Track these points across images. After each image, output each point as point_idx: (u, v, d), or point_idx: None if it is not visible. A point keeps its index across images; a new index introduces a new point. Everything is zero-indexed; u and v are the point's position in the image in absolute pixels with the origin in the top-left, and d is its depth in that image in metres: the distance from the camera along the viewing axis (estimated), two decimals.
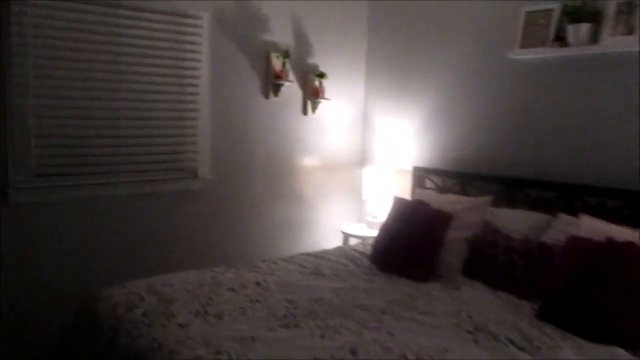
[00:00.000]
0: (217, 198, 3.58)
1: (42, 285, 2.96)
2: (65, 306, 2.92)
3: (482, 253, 2.83)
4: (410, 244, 2.86)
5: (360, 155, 4.26)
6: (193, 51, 3.38)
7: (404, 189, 3.80)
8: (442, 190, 3.59)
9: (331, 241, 4.07)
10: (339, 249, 3.35)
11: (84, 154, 3.05)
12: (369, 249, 3.19)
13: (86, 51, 3.00)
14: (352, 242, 3.89)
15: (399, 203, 3.14)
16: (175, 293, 2.40)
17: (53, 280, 2.99)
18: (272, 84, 3.71)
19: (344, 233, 4.00)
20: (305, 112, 3.93)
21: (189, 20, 3.34)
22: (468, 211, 2.99)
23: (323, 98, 3.92)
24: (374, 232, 3.84)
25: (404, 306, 2.41)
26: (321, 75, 3.88)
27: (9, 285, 2.87)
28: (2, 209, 2.81)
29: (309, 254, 3.15)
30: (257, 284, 2.60)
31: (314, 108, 3.95)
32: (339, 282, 2.71)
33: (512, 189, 3.21)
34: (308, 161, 4.01)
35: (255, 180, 3.76)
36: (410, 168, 3.85)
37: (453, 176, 3.56)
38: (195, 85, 3.42)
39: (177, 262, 3.33)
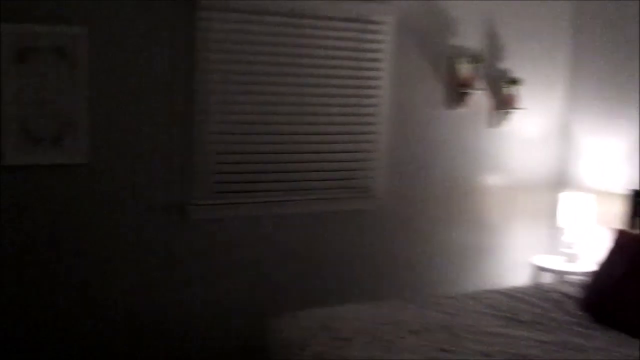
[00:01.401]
0: (391, 219, 3.27)
1: (213, 302, 2.90)
2: (234, 327, 2.84)
3: None
4: None
5: (557, 174, 3.65)
6: (374, 59, 3.12)
7: (613, 217, 3.14)
8: None
9: (517, 274, 3.53)
10: (536, 287, 2.81)
11: (261, 170, 2.94)
12: (574, 291, 2.63)
13: (266, 64, 2.89)
14: (545, 277, 3.33)
15: (623, 237, 2.53)
16: (350, 331, 2.12)
17: (224, 297, 2.92)
18: (457, 92, 3.31)
19: (534, 266, 3.44)
20: (493, 124, 3.46)
21: (372, 26, 3.08)
22: None
23: (515, 108, 3.42)
24: (573, 267, 3.26)
25: None
26: (514, 82, 3.38)
27: (181, 301, 2.84)
28: (182, 225, 2.79)
29: (499, 292, 2.68)
30: (444, 327, 2.21)
31: (504, 120, 3.45)
32: (543, 334, 2.21)
33: None
34: (494, 180, 3.52)
35: (434, 201, 3.38)
36: (623, 192, 3.17)
37: None
38: (374, 97, 3.15)
39: (349, 288, 3.11)
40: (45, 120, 2.51)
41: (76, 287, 2.62)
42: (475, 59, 3.25)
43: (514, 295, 2.63)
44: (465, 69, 3.26)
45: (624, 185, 3.20)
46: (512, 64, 3.42)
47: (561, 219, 3.46)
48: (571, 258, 3.35)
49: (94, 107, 2.57)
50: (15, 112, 2.44)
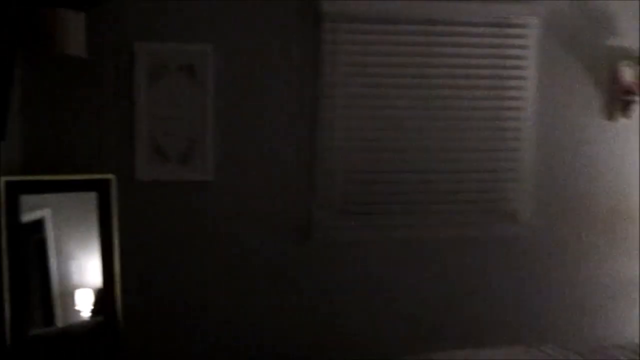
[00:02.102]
0: (540, 248, 2.85)
1: (333, 334, 2.69)
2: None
3: None
4: None
5: None
6: (516, 67, 2.78)
7: None
8: None
9: None
10: None
11: (389, 190, 2.72)
12: None
13: (396, 76, 2.69)
14: None
15: None
16: None
17: (345, 330, 2.70)
18: (619, 101, 2.83)
19: None
20: None
21: (514, 30, 2.76)
22: None
23: None
24: None
25: None
26: None
27: (299, 328, 2.67)
28: (305, 246, 2.65)
29: None
30: None
31: None
32: None
33: None
34: None
35: (591, 226, 2.90)
36: None
37: None
38: (517, 108, 2.80)
39: (490, 327, 2.76)
40: (174, 137, 2.53)
41: (196, 307, 2.58)
42: None
43: None
44: (629, 73, 2.79)
45: None
46: None
47: None
48: None
49: (219, 124, 2.55)
50: (147, 128, 2.50)
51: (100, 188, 2.43)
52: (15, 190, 2.21)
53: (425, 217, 2.74)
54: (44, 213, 2.28)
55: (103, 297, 2.37)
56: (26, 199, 2.20)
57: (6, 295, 2.07)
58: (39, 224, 2.26)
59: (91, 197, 2.40)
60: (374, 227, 2.70)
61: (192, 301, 2.58)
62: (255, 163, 2.61)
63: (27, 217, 2.21)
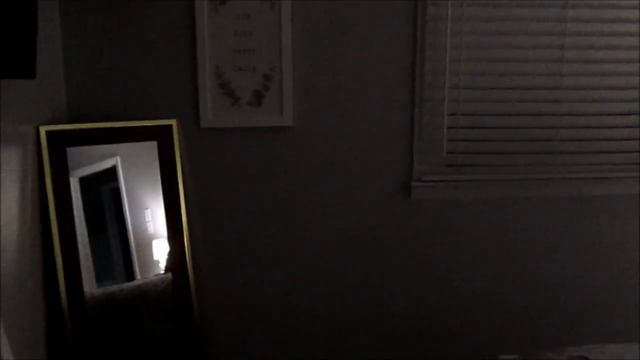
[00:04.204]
0: None
1: (425, 312, 2.37)
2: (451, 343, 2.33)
3: None
4: None
5: None
6: None
7: None
8: None
9: None
10: None
11: (506, 138, 2.24)
12: None
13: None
14: None
15: None
16: None
17: (442, 304, 2.37)
18: None
19: None
20: None
21: None
22: None
23: None
24: None
25: None
26: None
27: (376, 298, 2.34)
28: (403, 205, 2.25)
29: None
30: None
31: None
32: None
33: None
34: None
35: None
36: None
37: None
38: None
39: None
40: (245, 74, 2.09)
41: (270, 269, 2.29)
42: None
43: None
44: None
45: None
46: None
47: None
48: None
49: (300, 57, 2.08)
50: (212, 63, 2.07)
51: (161, 136, 2.11)
52: (60, 142, 1.95)
53: (550, 171, 2.27)
54: (114, 161, 2.12)
55: (170, 254, 2.18)
56: (92, 148, 2.04)
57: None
58: (112, 172, 2.13)
59: (153, 146, 2.11)
60: (487, 182, 2.25)
61: (265, 262, 2.27)
62: (344, 105, 2.15)
63: (97, 166, 2.10)
